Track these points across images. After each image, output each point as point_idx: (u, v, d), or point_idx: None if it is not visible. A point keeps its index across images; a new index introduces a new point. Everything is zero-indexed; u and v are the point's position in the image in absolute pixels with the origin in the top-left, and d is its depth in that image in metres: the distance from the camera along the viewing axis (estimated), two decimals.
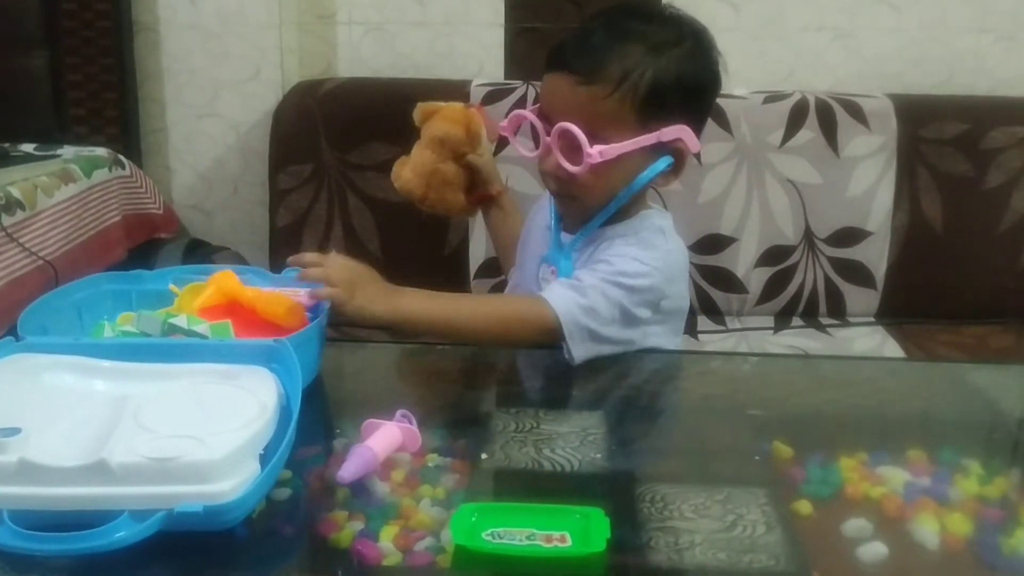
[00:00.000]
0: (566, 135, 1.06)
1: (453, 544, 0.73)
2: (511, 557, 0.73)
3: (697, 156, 1.93)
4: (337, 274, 1.02)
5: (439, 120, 1.33)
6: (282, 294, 0.99)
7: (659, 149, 1.10)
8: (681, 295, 1.20)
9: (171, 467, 0.70)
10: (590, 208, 1.15)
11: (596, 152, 1.05)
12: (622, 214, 1.16)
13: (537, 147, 1.13)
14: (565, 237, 1.21)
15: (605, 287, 1.09)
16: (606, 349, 1.09)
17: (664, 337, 1.18)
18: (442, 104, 1.35)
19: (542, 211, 1.29)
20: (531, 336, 1.08)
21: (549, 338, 1.07)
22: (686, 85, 1.09)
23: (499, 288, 1.67)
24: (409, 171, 1.32)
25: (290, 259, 1.05)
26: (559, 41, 1.11)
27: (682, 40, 1.09)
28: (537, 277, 1.21)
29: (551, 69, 1.10)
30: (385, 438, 0.85)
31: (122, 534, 0.67)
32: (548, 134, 1.09)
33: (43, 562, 0.69)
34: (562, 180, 1.11)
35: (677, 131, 1.08)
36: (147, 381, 0.84)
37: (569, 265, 1.16)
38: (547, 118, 1.10)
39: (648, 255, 1.13)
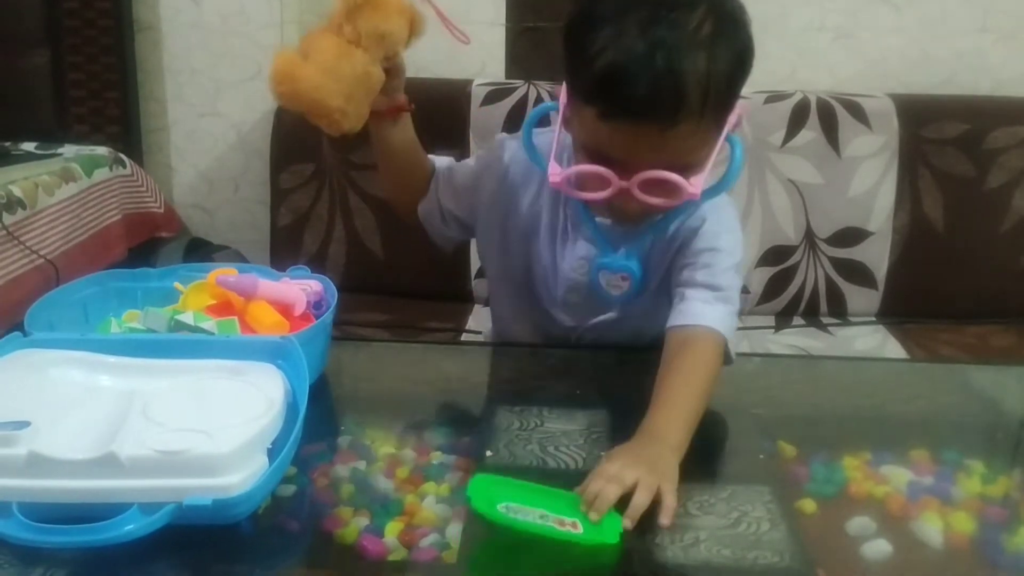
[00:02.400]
0: (656, 180, 0.95)
1: (473, 509, 0.74)
2: (531, 534, 0.73)
3: None
4: (645, 477, 0.80)
5: (381, 11, 1.05)
6: (271, 308, 0.98)
7: (727, 135, 1.01)
8: None
9: (180, 460, 0.70)
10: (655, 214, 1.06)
11: (697, 187, 0.96)
12: None
13: (598, 187, 0.98)
14: (606, 226, 1.09)
15: (738, 280, 1.08)
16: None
17: None
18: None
19: (538, 175, 1.14)
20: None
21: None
22: (746, 60, 0.98)
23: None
24: (318, 72, 1.01)
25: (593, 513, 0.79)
26: (608, 78, 0.93)
27: (719, 16, 0.95)
28: (599, 283, 1.10)
29: (618, 117, 0.94)
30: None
31: (131, 527, 0.67)
32: (621, 179, 0.96)
33: (52, 554, 0.69)
34: (643, 212, 1.01)
35: (738, 110, 1.00)
36: (154, 377, 0.84)
37: (640, 269, 1.07)
38: (617, 162, 0.96)
39: (727, 217, 1.12)
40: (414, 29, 1.08)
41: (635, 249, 1.08)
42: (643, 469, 0.80)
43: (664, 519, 0.77)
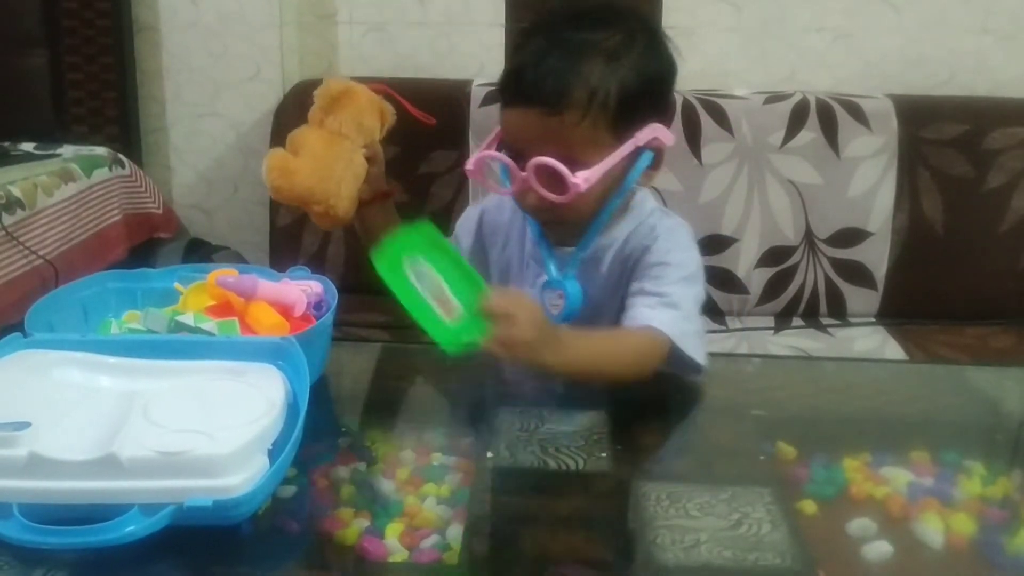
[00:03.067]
0: (545, 169, 1.02)
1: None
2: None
3: (697, 156, 1.95)
4: (528, 331, 0.91)
5: (356, 104, 1.13)
6: (271, 309, 0.98)
7: (638, 151, 1.06)
8: None
9: (181, 461, 0.70)
10: (581, 224, 1.10)
11: (581, 180, 1.01)
12: (617, 213, 1.13)
13: (508, 182, 1.07)
14: (560, 251, 1.14)
15: (689, 291, 1.09)
16: (703, 334, 1.10)
17: None
18: (352, 83, 1.15)
19: (505, 223, 1.23)
20: (656, 365, 1.04)
21: (666, 361, 1.04)
22: (651, 85, 1.06)
23: None
24: (309, 162, 1.09)
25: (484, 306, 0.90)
26: (511, 70, 1.06)
27: (634, 39, 1.05)
28: (544, 304, 1.11)
29: (512, 103, 1.05)
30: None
31: (132, 528, 0.67)
32: (522, 169, 1.03)
33: (52, 555, 0.69)
34: (546, 210, 1.06)
35: (651, 131, 1.05)
36: (155, 377, 0.84)
37: (576, 287, 1.10)
38: (518, 152, 1.05)
39: (681, 238, 1.14)
40: (384, 119, 1.17)
41: (570, 268, 1.11)
42: (540, 343, 0.91)
43: (487, 345, 0.88)
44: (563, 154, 1.01)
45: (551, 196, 1.02)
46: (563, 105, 1.01)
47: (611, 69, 1.02)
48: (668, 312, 1.05)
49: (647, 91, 1.05)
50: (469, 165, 1.09)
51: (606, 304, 1.14)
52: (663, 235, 1.13)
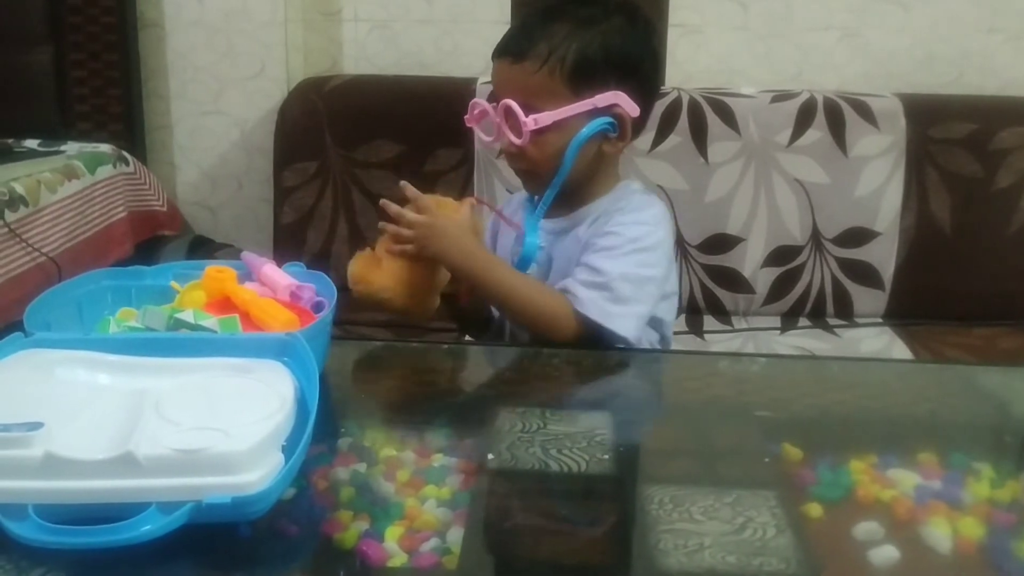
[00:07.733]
0: (508, 111, 1.15)
1: None
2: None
3: (703, 154, 1.93)
4: (421, 223, 1.10)
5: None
6: (281, 305, 0.98)
7: (599, 115, 1.16)
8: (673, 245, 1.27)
9: (199, 459, 0.69)
10: (545, 176, 1.19)
11: (531, 120, 1.13)
12: (600, 188, 1.23)
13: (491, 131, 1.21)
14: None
15: (625, 268, 1.15)
16: (643, 309, 1.16)
17: (671, 299, 1.26)
18: (431, 197, 1.19)
19: (510, 213, 1.33)
20: (562, 335, 1.13)
21: (576, 338, 1.13)
22: (613, 55, 1.16)
23: None
24: (387, 276, 1.14)
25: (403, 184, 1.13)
26: (502, 36, 1.21)
27: (609, 16, 1.18)
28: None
29: (494, 58, 1.20)
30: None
31: (149, 527, 0.66)
32: (496, 114, 1.18)
33: (67, 555, 0.68)
34: (514, 155, 1.19)
35: (611, 97, 1.16)
36: (162, 375, 0.84)
37: (535, 238, 1.21)
38: (497, 102, 1.18)
39: (645, 215, 1.21)
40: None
41: (535, 220, 1.22)
42: (429, 232, 1.10)
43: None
44: (523, 100, 1.14)
45: (511, 137, 1.16)
46: (524, 55, 1.15)
47: (577, 33, 1.15)
48: (594, 292, 1.14)
49: (608, 59, 1.16)
50: (468, 115, 1.23)
51: (572, 272, 1.20)
52: (629, 208, 1.21)
